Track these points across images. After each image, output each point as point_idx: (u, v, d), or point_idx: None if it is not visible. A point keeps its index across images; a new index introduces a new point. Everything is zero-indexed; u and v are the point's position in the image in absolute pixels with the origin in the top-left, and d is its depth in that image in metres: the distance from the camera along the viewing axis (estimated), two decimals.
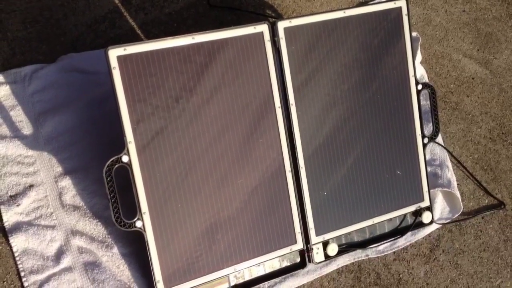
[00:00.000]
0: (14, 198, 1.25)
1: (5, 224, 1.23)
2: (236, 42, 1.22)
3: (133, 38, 1.51)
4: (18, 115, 1.33)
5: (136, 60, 1.14)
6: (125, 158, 1.14)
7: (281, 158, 1.28)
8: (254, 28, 1.24)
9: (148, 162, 1.16)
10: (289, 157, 1.28)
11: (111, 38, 1.50)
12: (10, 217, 1.24)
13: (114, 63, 1.12)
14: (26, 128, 1.33)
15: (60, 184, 1.29)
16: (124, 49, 1.13)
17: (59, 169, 1.31)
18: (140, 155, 1.15)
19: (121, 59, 1.13)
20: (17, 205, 1.25)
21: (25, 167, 1.29)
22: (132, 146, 1.14)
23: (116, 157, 1.13)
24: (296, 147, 1.29)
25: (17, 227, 1.23)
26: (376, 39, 1.36)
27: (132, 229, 1.15)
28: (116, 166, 1.13)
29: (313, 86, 1.30)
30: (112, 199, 1.14)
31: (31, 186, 1.28)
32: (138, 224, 1.16)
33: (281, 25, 1.26)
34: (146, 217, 1.16)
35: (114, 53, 1.12)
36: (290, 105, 1.28)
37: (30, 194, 1.27)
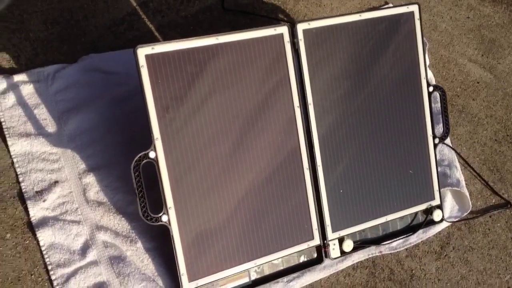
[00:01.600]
0: (40, 194, 1.28)
1: (31, 219, 1.26)
2: (257, 43, 1.26)
3: (151, 40, 1.55)
4: (42, 113, 1.36)
5: (163, 58, 1.18)
6: (152, 154, 1.17)
7: (299, 155, 1.31)
8: (275, 30, 1.29)
9: (173, 158, 1.19)
10: (307, 155, 1.32)
11: (130, 40, 1.53)
12: (36, 212, 1.26)
13: (142, 61, 1.16)
14: (50, 126, 1.36)
15: (84, 181, 1.32)
16: (152, 48, 1.17)
17: (82, 166, 1.34)
18: (166, 151, 1.18)
19: (149, 57, 1.16)
20: (43, 201, 1.27)
21: (50, 163, 1.32)
22: (158, 143, 1.18)
23: (143, 153, 1.16)
24: (314, 146, 1.33)
25: (44, 222, 1.26)
26: (391, 41, 1.41)
27: (158, 223, 1.18)
28: (144, 162, 1.16)
29: (331, 85, 1.34)
30: (139, 194, 1.17)
31: (56, 182, 1.31)
32: (164, 218, 1.19)
33: (300, 27, 1.31)
34: (172, 212, 1.19)
35: (143, 52, 1.16)
36: (308, 105, 1.32)
37: (55, 190, 1.29)
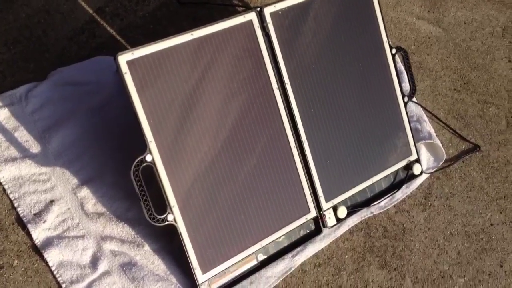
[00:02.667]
0: (38, 216, 1.28)
1: (36, 242, 1.25)
2: (230, 32, 1.29)
3: (115, 45, 1.54)
4: (23, 136, 1.35)
5: (144, 62, 1.19)
6: (148, 158, 1.19)
7: (285, 136, 1.36)
8: (244, 17, 1.31)
9: (170, 157, 1.21)
10: (292, 134, 1.37)
11: (94, 48, 1.53)
12: (39, 234, 1.26)
13: (125, 68, 1.17)
14: (34, 147, 1.35)
15: (79, 195, 1.32)
16: (132, 54, 1.18)
17: (74, 180, 1.34)
18: (162, 152, 1.20)
19: (130, 63, 1.17)
20: (43, 222, 1.27)
21: (41, 184, 1.31)
22: (153, 145, 1.20)
23: (140, 157, 1.18)
24: (297, 124, 1.37)
25: (49, 242, 1.26)
26: (352, 10, 1.46)
27: (165, 223, 1.20)
28: (142, 166, 1.18)
29: (304, 61, 1.39)
30: (143, 198, 1.18)
31: (52, 201, 1.30)
32: (170, 217, 1.21)
33: (267, 10, 1.34)
34: (176, 210, 1.22)
35: (124, 59, 1.17)
36: (286, 85, 1.36)
37: (53, 209, 1.29)
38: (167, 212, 1.21)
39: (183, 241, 1.23)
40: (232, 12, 1.70)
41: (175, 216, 1.22)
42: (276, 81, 1.35)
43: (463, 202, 1.60)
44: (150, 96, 1.19)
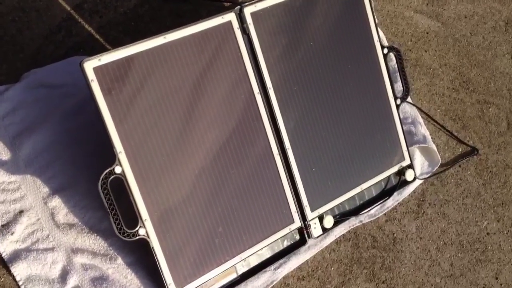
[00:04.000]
0: (6, 227, 1.22)
1: (3, 255, 1.20)
2: (207, 34, 1.21)
3: (93, 44, 1.47)
4: None
5: (112, 68, 1.12)
6: (118, 169, 1.13)
7: (267, 142, 1.29)
8: (222, 18, 1.24)
9: (141, 168, 1.15)
10: (275, 140, 1.30)
11: (71, 47, 1.46)
12: (6, 247, 1.21)
13: (91, 75, 1.10)
14: (3, 154, 1.29)
15: (50, 205, 1.27)
16: (99, 60, 1.11)
17: (46, 189, 1.28)
18: (132, 163, 1.14)
19: (97, 70, 1.10)
20: (11, 234, 1.22)
21: (10, 193, 1.26)
22: (123, 156, 1.13)
23: (109, 169, 1.12)
24: (280, 130, 1.30)
25: (16, 256, 1.20)
26: (339, 8, 1.38)
27: (136, 238, 1.14)
28: (111, 178, 1.12)
29: (287, 64, 1.31)
30: (112, 212, 1.12)
31: (21, 212, 1.25)
32: (142, 232, 1.15)
33: (248, 10, 1.26)
34: (148, 224, 1.16)
35: (90, 65, 1.10)
36: (268, 89, 1.29)
37: (21, 220, 1.23)
38: (139, 226, 1.15)
39: (156, 256, 1.17)
40: (218, 8, 1.62)
41: (147, 230, 1.16)
42: (258, 86, 1.27)
43: (458, 209, 1.52)
44: (119, 104, 1.13)
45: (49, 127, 1.33)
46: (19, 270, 1.19)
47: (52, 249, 1.23)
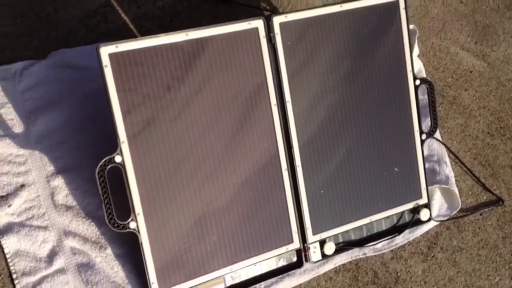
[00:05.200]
0: (5, 199, 1.23)
1: None
2: (230, 38, 1.19)
3: (126, 33, 1.48)
4: (9, 113, 1.30)
5: (128, 57, 1.11)
6: (118, 158, 1.12)
7: (277, 155, 1.25)
8: (249, 23, 1.21)
9: (142, 162, 1.13)
10: (285, 155, 1.26)
11: (103, 33, 1.46)
12: (1, 218, 1.21)
13: (106, 61, 1.09)
14: (17, 126, 1.30)
15: (52, 184, 1.27)
16: (116, 47, 1.10)
17: (51, 168, 1.28)
18: (134, 155, 1.13)
19: (113, 57, 1.10)
20: (8, 206, 1.22)
21: (16, 166, 1.26)
22: (125, 146, 1.12)
23: (108, 157, 1.11)
24: (292, 146, 1.27)
25: (9, 228, 1.20)
26: (374, 34, 1.33)
27: (126, 230, 1.13)
28: (109, 166, 1.11)
29: (311, 82, 1.28)
30: (105, 200, 1.11)
31: (22, 186, 1.25)
32: (132, 225, 1.14)
33: (277, 20, 1.24)
34: (140, 218, 1.14)
35: (106, 51, 1.09)
36: (286, 102, 1.26)
37: (21, 194, 1.24)
38: (131, 219, 1.13)
39: (143, 252, 1.15)
40: (256, 14, 1.60)
41: (139, 224, 1.14)
42: (276, 98, 1.24)
43: (471, 259, 1.44)
44: (130, 94, 1.12)
45: (66, 108, 1.33)
46: (9, 243, 1.19)
47: (45, 228, 1.23)
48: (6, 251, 1.19)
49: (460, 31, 1.79)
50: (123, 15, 1.50)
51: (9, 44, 1.38)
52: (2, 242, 1.19)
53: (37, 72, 1.35)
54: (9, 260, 1.19)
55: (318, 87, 1.29)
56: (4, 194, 1.23)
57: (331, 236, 1.33)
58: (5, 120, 1.29)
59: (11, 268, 1.18)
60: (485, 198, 1.54)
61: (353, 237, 1.37)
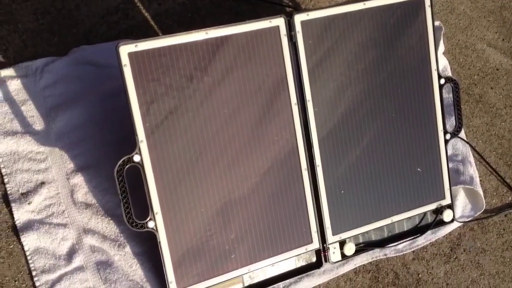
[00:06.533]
0: (25, 196, 1.23)
1: (16, 223, 1.21)
2: (251, 37, 1.18)
3: (146, 30, 1.47)
4: (29, 110, 1.31)
5: (148, 57, 1.10)
6: (136, 158, 1.11)
7: (297, 155, 1.24)
8: (270, 22, 1.20)
9: (160, 161, 1.13)
10: (305, 155, 1.24)
11: (124, 30, 1.46)
12: (21, 215, 1.22)
13: (125, 60, 1.09)
14: (38, 124, 1.30)
15: (72, 181, 1.27)
16: (136, 46, 1.09)
17: (71, 165, 1.28)
18: (152, 155, 1.12)
19: (132, 56, 1.09)
20: (29, 203, 1.23)
21: (36, 163, 1.27)
22: (144, 146, 1.11)
23: (127, 156, 1.10)
24: (312, 145, 1.25)
25: (29, 226, 1.21)
26: (398, 32, 1.31)
27: (144, 229, 1.13)
28: (128, 166, 1.10)
29: (333, 80, 1.26)
30: (123, 199, 1.11)
31: (42, 183, 1.26)
32: (151, 224, 1.13)
33: (298, 18, 1.22)
34: (159, 217, 1.14)
35: (126, 50, 1.09)
36: (307, 101, 1.24)
37: (41, 191, 1.24)
38: (149, 218, 1.13)
39: (161, 251, 1.15)
40: (279, 11, 1.58)
41: (157, 223, 1.14)
42: (297, 97, 1.23)
43: (495, 261, 1.41)
44: (149, 94, 1.11)
45: (86, 105, 1.34)
46: (29, 240, 1.20)
47: (64, 225, 1.23)
48: (26, 248, 1.20)
49: (487, 28, 1.74)
50: (144, 11, 1.50)
51: (31, 40, 1.39)
52: (22, 239, 1.20)
53: (57, 69, 1.36)
54: (28, 258, 1.19)
55: (339, 86, 1.27)
56: (25, 191, 1.24)
57: (351, 236, 1.31)
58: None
59: (31, 265, 1.19)
60: (510, 199, 1.51)
61: (373, 237, 1.35)
